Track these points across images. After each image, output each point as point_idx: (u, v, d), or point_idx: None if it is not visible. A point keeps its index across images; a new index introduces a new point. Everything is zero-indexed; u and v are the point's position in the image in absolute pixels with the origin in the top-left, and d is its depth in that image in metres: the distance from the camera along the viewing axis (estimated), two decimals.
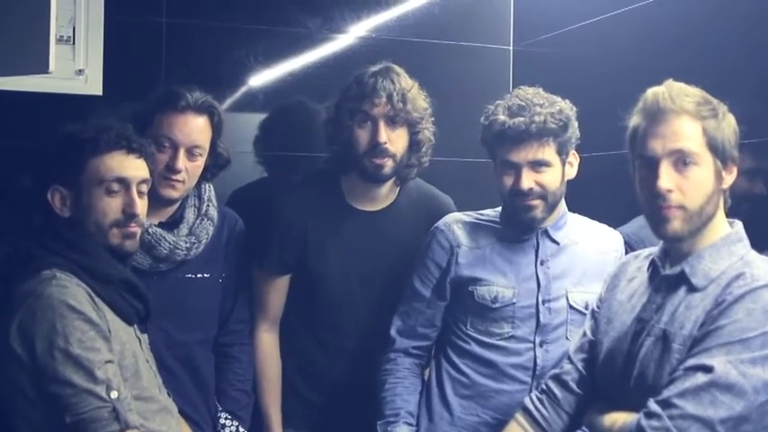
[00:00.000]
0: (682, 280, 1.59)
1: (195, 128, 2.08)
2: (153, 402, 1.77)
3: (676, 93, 1.58)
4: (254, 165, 2.72)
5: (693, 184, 1.55)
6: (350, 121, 2.16)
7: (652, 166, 1.57)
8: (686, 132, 1.55)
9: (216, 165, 2.19)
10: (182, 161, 2.05)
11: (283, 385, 2.31)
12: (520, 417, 1.84)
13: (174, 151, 2.05)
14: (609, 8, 2.55)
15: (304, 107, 2.75)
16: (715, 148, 1.56)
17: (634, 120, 1.63)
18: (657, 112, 1.58)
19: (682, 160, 1.55)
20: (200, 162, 2.12)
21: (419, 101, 2.19)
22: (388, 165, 2.16)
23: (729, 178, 1.60)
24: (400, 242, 2.27)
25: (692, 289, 1.57)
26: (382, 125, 2.14)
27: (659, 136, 1.57)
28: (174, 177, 2.05)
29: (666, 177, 1.55)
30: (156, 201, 2.05)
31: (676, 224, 1.56)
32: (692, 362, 1.47)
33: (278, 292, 2.30)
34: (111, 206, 1.77)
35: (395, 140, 2.16)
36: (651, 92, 1.61)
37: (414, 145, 2.22)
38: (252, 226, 2.33)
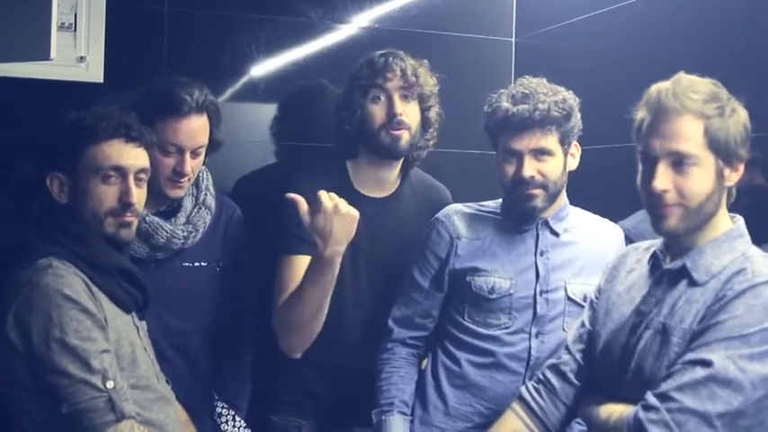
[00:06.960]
0: (683, 274, 1.59)
1: (199, 129, 2.09)
2: (150, 391, 1.78)
3: (681, 90, 1.54)
4: (256, 154, 2.71)
5: (691, 184, 1.54)
6: (362, 98, 2.18)
7: (650, 163, 1.56)
8: (686, 133, 1.53)
9: (211, 149, 2.18)
10: (188, 164, 2.06)
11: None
12: (516, 406, 1.83)
13: (181, 155, 2.05)
14: (612, 0, 2.53)
15: (306, 97, 2.75)
16: (717, 148, 1.54)
17: (640, 113, 1.61)
18: (659, 109, 1.55)
19: (679, 161, 1.54)
20: (203, 156, 2.13)
21: (428, 77, 2.23)
22: (405, 137, 2.16)
23: (734, 176, 1.58)
24: (404, 228, 2.27)
25: (693, 283, 1.57)
26: (397, 98, 2.16)
27: (659, 135, 1.55)
28: (181, 180, 2.07)
29: (662, 178, 1.54)
30: (161, 197, 2.08)
31: (672, 221, 1.56)
32: (691, 356, 1.48)
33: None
34: (108, 194, 1.76)
35: (409, 114, 2.18)
36: (656, 87, 1.59)
37: (424, 122, 2.24)
38: (258, 216, 2.31)
